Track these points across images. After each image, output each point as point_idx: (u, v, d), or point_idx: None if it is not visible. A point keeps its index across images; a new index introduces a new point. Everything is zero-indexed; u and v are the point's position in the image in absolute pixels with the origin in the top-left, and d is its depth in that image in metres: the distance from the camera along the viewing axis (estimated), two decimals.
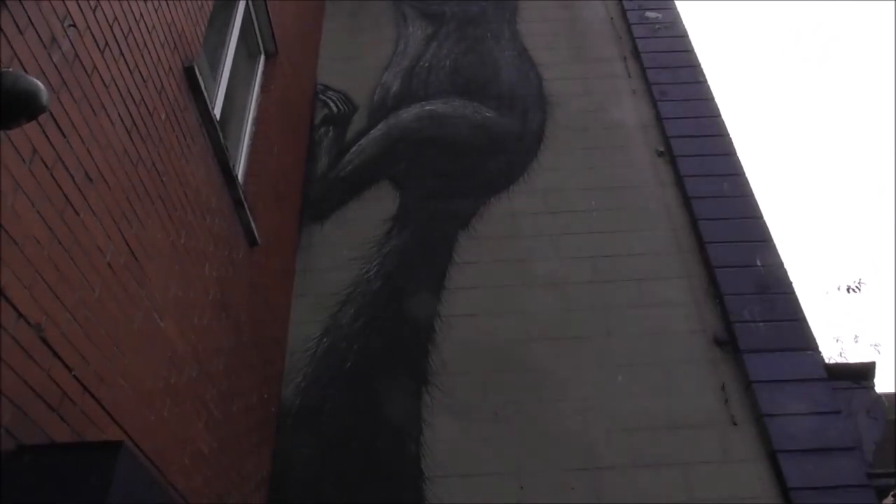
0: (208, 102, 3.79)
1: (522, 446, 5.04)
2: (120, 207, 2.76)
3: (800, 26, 31.00)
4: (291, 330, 5.72)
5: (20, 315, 2.08)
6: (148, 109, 3.07)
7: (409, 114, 7.35)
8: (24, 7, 2.14)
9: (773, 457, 4.88)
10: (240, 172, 4.88)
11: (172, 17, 3.42)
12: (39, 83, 1.79)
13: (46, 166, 2.25)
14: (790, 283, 5.75)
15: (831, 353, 14.41)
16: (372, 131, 7.19)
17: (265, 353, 4.98)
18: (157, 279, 3.10)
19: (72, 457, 2.08)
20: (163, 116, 3.24)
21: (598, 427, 5.11)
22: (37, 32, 2.21)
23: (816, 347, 5.39)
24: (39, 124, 2.19)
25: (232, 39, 4.91)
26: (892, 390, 5.50)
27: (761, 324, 5.51)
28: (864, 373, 5.35)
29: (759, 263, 5.87)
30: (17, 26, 2.11)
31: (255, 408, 4.63)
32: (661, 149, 6.87)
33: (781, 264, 5.86)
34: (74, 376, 2.36)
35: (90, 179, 2.53)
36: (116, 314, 2.70)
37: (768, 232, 6.06)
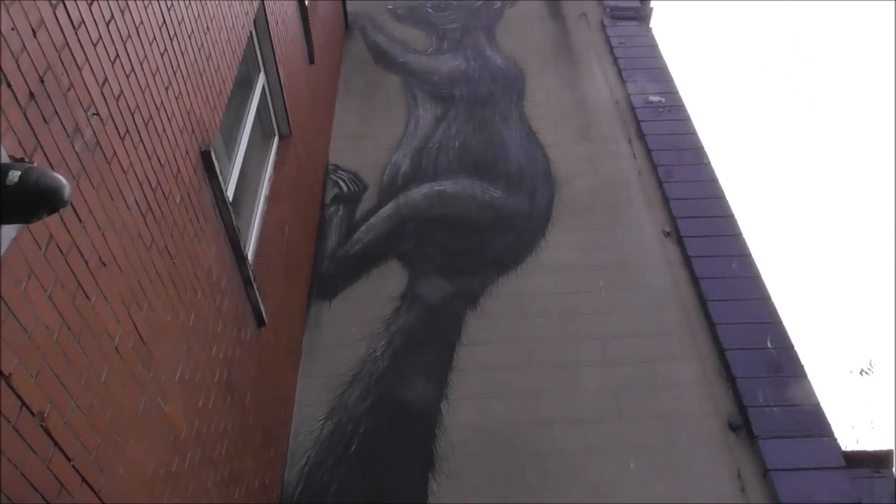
0: (222, 184, 3.85)
1: None
2: (131, 291, 2.76)
3: (798, 27, 30.65)
4: (296, 410, 5.62)
5: (23, 405, 2.04)
6: (164, 193, 3.12)
7: (418, 193, 7.46)
8: (49, 97, 2.21)
9: None
10: (250, 251, 4.92)
11: (191, 105, 3.52)
12: (62, 179, 1.81)
13: (61, 252, 2.26)
14: (802, 366, 5.66)
15: (847, 439, 13.95)
16: (381, 210, 7.28)
17: (269, 434, 4.87)
18: (163, 362, 3.07)
19: None
20: (177, 199, 3.29)
21: None
22: (61, 122, 2.27)
23: (833, 434, 5.25)
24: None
25: (248, 122, 5.04)
26: None
27: (775, 408, 5.39)
28: (883, 460, 5.19)
29: (769, 345, 5.79)
30: (43, 116, 2.17)
31: (256, 493, 4.49)
32: (668, 229, 6.92)
33: (792, 346, 5.79)
34: (73, 467, 2.29)
35: (103, 263, 2.53)
36: (121, 399, 2.66)
37: (777, 313, 6.02)
